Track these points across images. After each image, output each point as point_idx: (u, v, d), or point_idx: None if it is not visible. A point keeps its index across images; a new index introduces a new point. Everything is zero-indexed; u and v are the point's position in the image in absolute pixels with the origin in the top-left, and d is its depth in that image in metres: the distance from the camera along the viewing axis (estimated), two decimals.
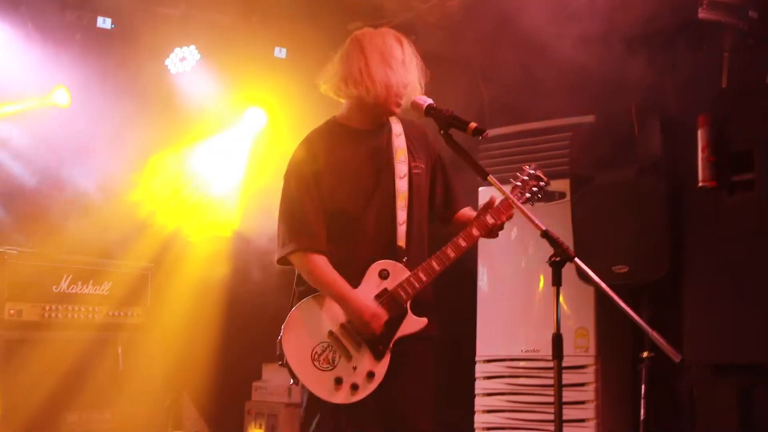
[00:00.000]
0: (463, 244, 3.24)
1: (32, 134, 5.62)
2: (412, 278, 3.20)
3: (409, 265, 3.23)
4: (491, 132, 5.39)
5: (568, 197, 5.11)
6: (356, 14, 5.88)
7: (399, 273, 3.22)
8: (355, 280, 3.20)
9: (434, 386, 3.34)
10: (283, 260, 3.27)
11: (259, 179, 6.14)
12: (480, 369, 5.40)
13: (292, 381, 3.17)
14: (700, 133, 4.47)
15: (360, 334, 3.16)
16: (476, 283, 5.50)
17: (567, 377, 4.91)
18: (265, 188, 5.86)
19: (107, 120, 5.70)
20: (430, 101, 3.21)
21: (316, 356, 3.13)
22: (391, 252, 3.23)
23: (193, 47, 5.87)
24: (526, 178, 3.41)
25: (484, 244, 5.50)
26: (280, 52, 6.10)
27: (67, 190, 5.70)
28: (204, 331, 6.10)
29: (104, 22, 5.45)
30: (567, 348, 4.89)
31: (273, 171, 6.07)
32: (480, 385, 5.39)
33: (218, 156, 6.39)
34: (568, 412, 4.94)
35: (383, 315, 3.15)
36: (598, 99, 5.19)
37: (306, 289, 3.25)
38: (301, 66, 6.13)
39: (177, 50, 5.87)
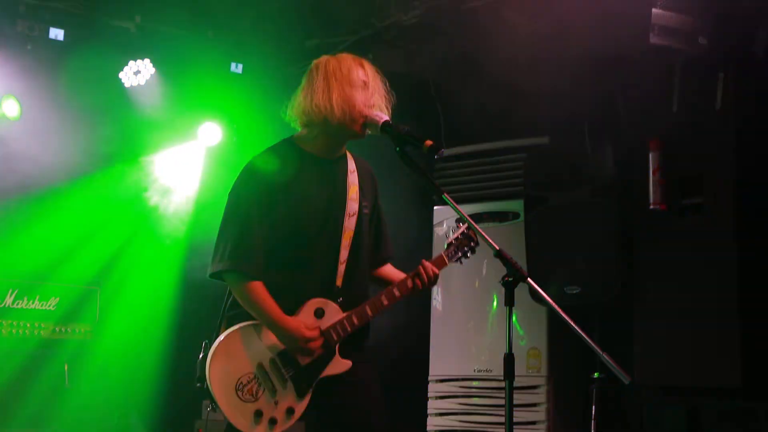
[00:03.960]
0: (397, 293, 3.26)
1: None
2: (345, 321, 3.19)
3: (343, 306, 3.22)
4: (447, 152, 5.52)
5: (521, 218, 5.15)
6: (313, 31, 5.88)
7: (333, 313, 3.20)
8: (290, 312, 3.16)
9: (384, 407, 3.33)
10: (217, 275, 3.22)
11: (213, 194, 6.09)
12: (433, 388, 5.39)
13: (210, 407, 3.14)
14: (651, 156, 4.54)
15: (298, 360, 3.13)
16: (430, 303, 5.50)
17: (519, 397, 4.95)
18: (219, 203, 5.82)
19: (58, 132, 5.61)
20: (386, 118, 3.19)
21: (241, 386, 3.09)
22: (329, 290, 3.21)
23: (147, 61, 5.82)
24: (460, 236, 3.43)
25: None
26: (237, 68, 6.07)
27: (16, 201, 5.58)
28: (153, 347, 6.01)
29: (56, 34, 5.38)
30: (519, 368, 4.93)
31: (227, 186, 6.07)
32: (432, 405, 5.37)
33: (172, 170, 6.33)
34: None
35: (316, 335, 3.13)
36: (552, 121, 5.25)
37: (236, 314, 3.19)
38: (258, 82, 6.12)
39: (131, 63, 5.81)
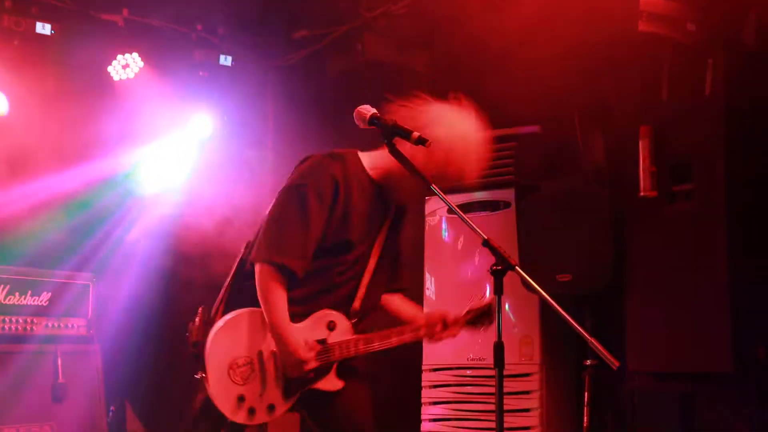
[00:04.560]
0: (407, 338, 3.29)
1: None
2: (351, 343, 3.19)
3: (356, 328, 3.23)
4: None
5: (513, 206, 5.15)
6: (302, 23, 5.87)
7: (344, 331, 3.21)
8: (301, 316, 3.16)
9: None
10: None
11: (204, 187, 6.08)
12: (426, 377, 5.40)
13: (201, 374, 3.06)
14: (641, 143, 4.54)
15: (285, 370, 3.11)
16: (423, 292, 5.50)
17: (512, 385, 4.97)
18: (210, 195, 5.83)
19: (47, 128, 5.58)
20: (374, 111, 3.17)
21: (235, 366, 3.08)
22: (346, 309, 3.23)
23: (135, 54, 5.80)
24: (483, 307, 3.38)
25: (430, 251, 5.53)
26: (226, 60, 6.06)
27: (4, 199, 5.56)
28: (147, 340, 6.00)
29: (43, 28, 5.35)
30: (512, 356, 4.97)
31: (218, 178, 6.06)
32: (426, 394, 5.39)
33: (163, 163, 6.32)
34: (513, 420, 4.96)
35: (313, 360, 3.12)
36: (543, 110, 5.25)
37: (240, 297, 3.19)
38: (247, 73, 6.11)
39: (119, 57, 5.79)
